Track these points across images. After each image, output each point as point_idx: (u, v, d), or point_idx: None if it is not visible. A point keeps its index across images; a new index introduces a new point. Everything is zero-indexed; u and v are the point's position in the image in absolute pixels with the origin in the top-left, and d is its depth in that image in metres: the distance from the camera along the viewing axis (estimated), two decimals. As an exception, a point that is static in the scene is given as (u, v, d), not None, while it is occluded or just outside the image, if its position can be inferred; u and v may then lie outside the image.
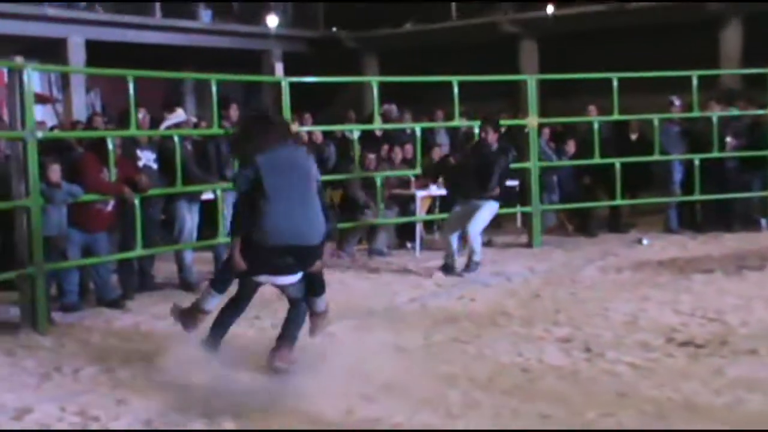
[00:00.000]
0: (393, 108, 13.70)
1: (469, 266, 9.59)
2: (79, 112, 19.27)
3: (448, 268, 9.62)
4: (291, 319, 6.08)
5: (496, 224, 13.07)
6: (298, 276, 5.98)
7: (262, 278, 5.99)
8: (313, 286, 6.10)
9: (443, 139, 13.89)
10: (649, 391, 5.41)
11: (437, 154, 12.63)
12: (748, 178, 12.28)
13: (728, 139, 11.99)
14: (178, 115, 9.58)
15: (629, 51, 19.82)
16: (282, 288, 6.09)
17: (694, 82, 11.87)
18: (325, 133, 13.08)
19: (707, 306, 7.63)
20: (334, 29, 25.65)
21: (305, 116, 13.70)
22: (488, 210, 9.64)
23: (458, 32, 22.82)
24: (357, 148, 10.95)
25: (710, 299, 7.94)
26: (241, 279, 6.08)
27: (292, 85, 10.14)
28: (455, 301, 8.39)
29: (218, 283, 6.15)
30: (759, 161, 12.14)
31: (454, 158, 10.04)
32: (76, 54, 20.57)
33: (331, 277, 9.42)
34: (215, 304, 6.16)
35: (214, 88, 9.46)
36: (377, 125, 11.91)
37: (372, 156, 11.41)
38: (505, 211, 12.47)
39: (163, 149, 9.18)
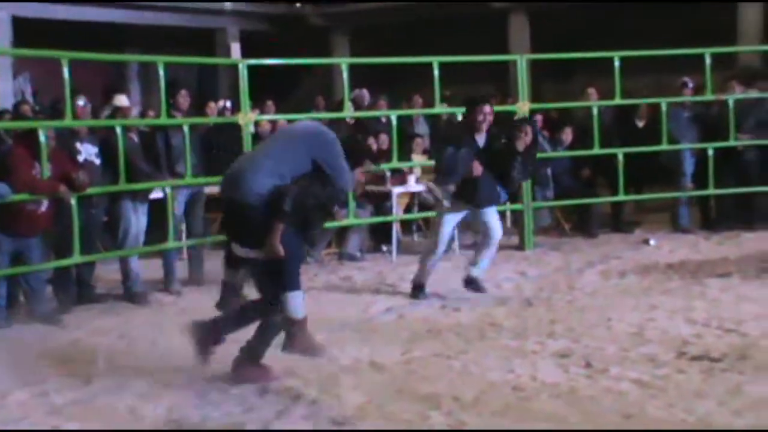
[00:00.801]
0: (365, 93, 13.71)
1: (479, 284, 8.87)
2: (6, 100, 19.07)
3: (421, 290, 9.00)
4: (258, 326, 6.16)
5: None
6: (251, 252, 5.98)
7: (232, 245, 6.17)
8: (271, 276, 5.99)
9: (423, 128, 13.92)
10: (658, 412, 5.43)
11: (419, 146, 12.66)
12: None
13: (740, 135, 11.99)
14: (120, 102, 9.54)
15: (634, 27, 19.90)
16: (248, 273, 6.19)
17: (708, 60, 11.90)
18: (290, 122, 13.07)
19: (724, 315, 7.67)
20: (299, 4, 25.61)
21: (267, 103, 13.72)
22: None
23: (439, 7, 22.82)
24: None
25: (727, 307, 7.99)
26: None
27: (251, 67, 10.13)
28: (437, 311, 8.40)
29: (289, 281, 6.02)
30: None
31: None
32: (1, 32, 20.40)
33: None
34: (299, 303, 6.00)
35: (161, 72, 9.43)
36: (347, 113, 11.90)
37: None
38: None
39: (106, 142, 9.14)
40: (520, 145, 8.66)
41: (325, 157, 6.01)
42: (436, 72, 11.02)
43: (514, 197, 11.09)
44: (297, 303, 5.93)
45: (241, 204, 5.89)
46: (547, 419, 5.37)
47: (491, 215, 8.81)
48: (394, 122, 11.18)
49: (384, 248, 11.58)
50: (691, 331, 7.24)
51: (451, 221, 8.83)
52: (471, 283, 8.80)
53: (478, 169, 8.55)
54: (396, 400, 5.78)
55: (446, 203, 8.66)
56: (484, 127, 8.66)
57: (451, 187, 8.64)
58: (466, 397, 5.79)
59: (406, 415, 5.50)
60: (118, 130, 9.01)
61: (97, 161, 9.10)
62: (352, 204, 10.75)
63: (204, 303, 6.56)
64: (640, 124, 12.81)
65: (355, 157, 6.26)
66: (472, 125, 8.70)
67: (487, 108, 8.61)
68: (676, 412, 5.42)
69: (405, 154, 11.84)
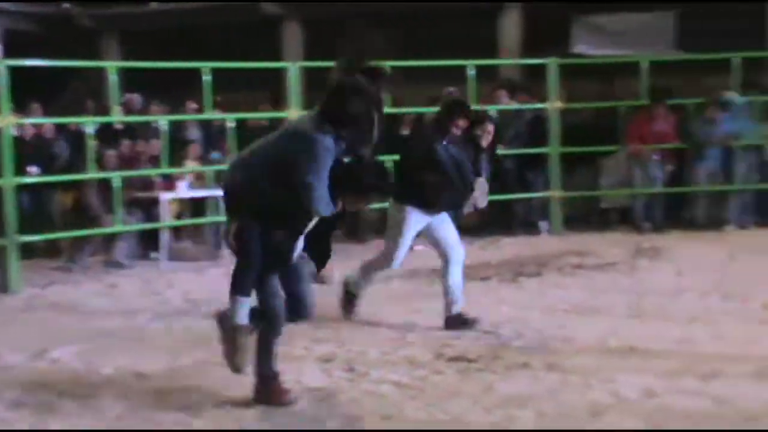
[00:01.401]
0: (135, 98, 13.48)
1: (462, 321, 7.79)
2: None
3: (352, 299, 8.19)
4: None
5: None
6: None
7: None
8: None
9: (195, 134, 13.79)
10: (416, 413, 5.58)
11: (194, 151, 12.47)
12: (529, 178, 12.87)
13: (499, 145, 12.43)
14: None
15: (407, 37, 20.28)
16: None
17: (470, 72, 12.27)
18: (58, 126, 12.72)
19: (482, 317, 7.90)
20: (67, 5, 24.88)
21: (33, 106, 13.27)
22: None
23: (213, 12, 22.62)
24: (92, 144, 10.65)
25: (486, 310, 8.24)
26: None
27: (14, 69, 9.80)
28: (205, 319, 8.31)
29: None
30: (541, 159, 12.76)
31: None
32: None
33: (61, 295, 9.20)
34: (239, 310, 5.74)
35: None
36: (116, 117, 11.66)
37: (112, 153, 11.17)
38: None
39: None
40: (485, 143, 8.12)
41: (295, 164, 5.37)
42: (206, 77, 10.96)
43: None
44: (235, 308, 5.67)
45: (226, 190, 5.76)
46: (308, 422, 5.44)
47: (448, 230, 7.96)
48: (165, 128, 11.03)
49: (153, 255, 11.41)
50: (450, 333, 7.47)
51: (412, 230, 7.87)
52: (458, 323, 7.76)
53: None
54: (158, 408, 5.72)
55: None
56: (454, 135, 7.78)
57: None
58: (229, 403, 5.78)
59: (166, 423, 5.45)
60: None
61: None
62: (119, 210, 10.55)
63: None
64: (405, 132, 13.06)
65: (353, 190, 5.62)
66: (444, 130, 7.75)
67: (462, 122, 7.72)
68: (433, 411, 5.58)
69: (177, 160, 11.73)
